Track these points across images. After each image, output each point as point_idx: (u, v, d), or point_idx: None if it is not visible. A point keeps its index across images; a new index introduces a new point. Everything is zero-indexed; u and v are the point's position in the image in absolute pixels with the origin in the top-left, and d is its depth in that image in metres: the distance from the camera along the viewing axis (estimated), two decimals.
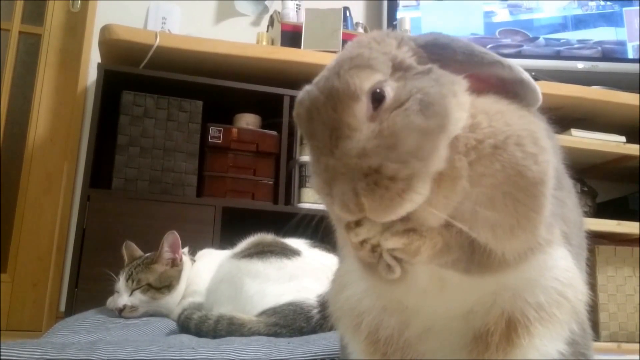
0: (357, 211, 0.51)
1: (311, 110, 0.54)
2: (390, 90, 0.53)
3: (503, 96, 0.59)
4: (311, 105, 0.54)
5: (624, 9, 3.07)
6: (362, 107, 0.52)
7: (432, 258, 0.56)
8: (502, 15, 3.05)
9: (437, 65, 0.57)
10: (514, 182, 0.55)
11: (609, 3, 3.09)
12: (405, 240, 0.54)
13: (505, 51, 2.91)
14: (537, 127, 0.59)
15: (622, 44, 3.02)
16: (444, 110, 0.52)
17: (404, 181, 0.50)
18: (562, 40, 3.01)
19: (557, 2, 3.08)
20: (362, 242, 0.55)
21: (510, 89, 0.60)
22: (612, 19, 3.06)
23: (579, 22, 3.05)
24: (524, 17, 3.06)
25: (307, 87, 0.56)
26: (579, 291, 0.64)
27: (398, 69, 0.55)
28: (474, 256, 0.57)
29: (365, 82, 0.52)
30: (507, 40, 2.98)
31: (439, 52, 0.58)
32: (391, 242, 0.54)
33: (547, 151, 0.57)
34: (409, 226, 0.54)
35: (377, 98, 0.53)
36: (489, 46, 2.89)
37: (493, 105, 0.58)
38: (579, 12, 3.07)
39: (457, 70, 0.58)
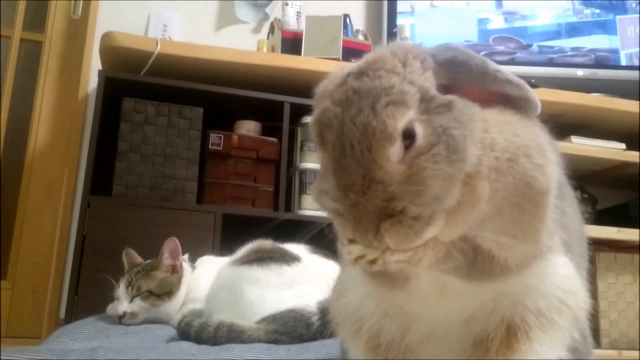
0: (379, 246, 0.53)
1: (344, 143, 0.53)
2: (419, 129, 0.53)
3: (505, 107, 0.61)
4: (343, 136, 0.53)
5: (617, 17, 3.08)
6: (396, 149, 0.53)
7: (434, 265, 0.57)
8: (497, 22, 3.05)
9: (452, 84, 0.58)
10: (523, 193, 0.56)
11: (601, 11, 3.10)
12: (409, 254, 0.54)
13: (499, 58, 2.92)
14: (542, 138, 0.61)
15: (615, 51, 3.03)
16: (465, 155, 0.53)
17: (425, 218, 0.52)
18: (555, 48, 3.02)
19: (553, 10, 3.08)
20: (357, 259, 0.56)
21: (514, 103, 0.61)
22: (606, 27, 3.07)
23: (573, 30, 3.06)
24: (518, 24, 3.07)
25: (332, 107, 0.55)
26: (580, 299, 0.64)
27: (423, 100, 0.55)
28: (476, 262, 0.58)
29: (400, 122, 0.53)
30: (501, 48, 2.99)
31: (456, 70, 0.59)
32: (396, 257, 0.54)
33: (552, 162, 0.59)
34: None
35: (408, 137, 0.53)
36: (482, 53, 2.88)
37: (500, 117, 0.59)
38: (573, 19, 3.08)
39: (470, 85, 0.59)
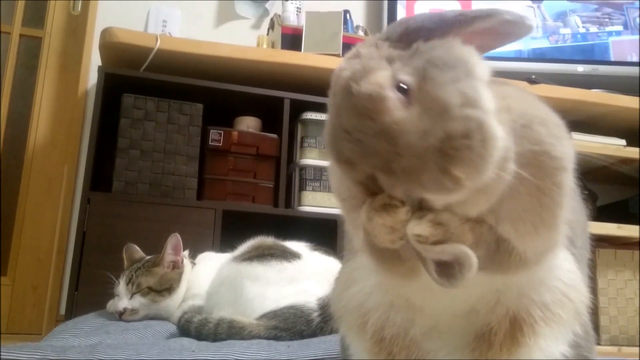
0: (454, 184, 0.48)
1: (356, 137, 0.51)
2: (403, 75, 0.52)
3: (497, 40, 0.59)
4: (351, 130, 0.51)
5: (611, 39, 2.66)
6: (392, 101, 0.50)
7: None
8: None
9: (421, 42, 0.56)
10: (541, 162, 0.53)
11: (589, 29, 2.64)
12: (433, 231, 0.51)
13: None
14: (557, 116, 0.59)
15: None
16: (457, 58, 0.51)
17: (475, 131, 0.48)
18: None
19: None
20: (394, 229, 0.52)
21: (502, 32, 0.59)
22: (595, 52, 2.60)
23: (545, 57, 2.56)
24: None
25: (333, 121, 0.54)
26: (581, 293, 0.63)
27: (391, 61, 0.54)
28: (497, 254, 0.55)
29: (381, 81, 0.51)
30: None
31: (415, 37, 0.56)
32: (419, 228, 0.51)
33: (569, 140, 0.57)
34: (439, 219, 0.52)
35: (401, 88, 0.51)
36: None
37: (514, 91, 0.58)
38: (545, 44, 2.64)
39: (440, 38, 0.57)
